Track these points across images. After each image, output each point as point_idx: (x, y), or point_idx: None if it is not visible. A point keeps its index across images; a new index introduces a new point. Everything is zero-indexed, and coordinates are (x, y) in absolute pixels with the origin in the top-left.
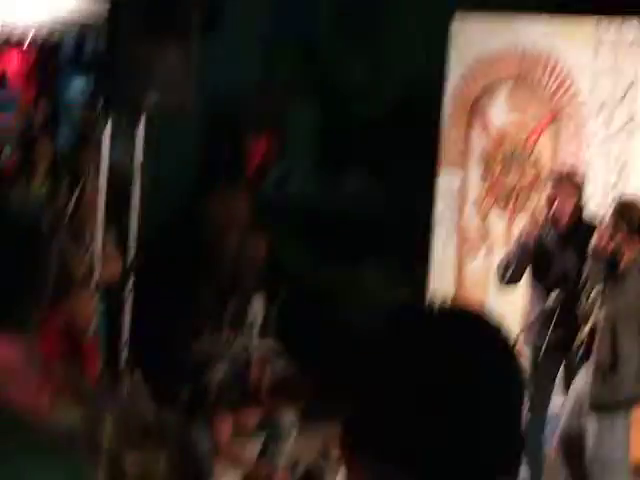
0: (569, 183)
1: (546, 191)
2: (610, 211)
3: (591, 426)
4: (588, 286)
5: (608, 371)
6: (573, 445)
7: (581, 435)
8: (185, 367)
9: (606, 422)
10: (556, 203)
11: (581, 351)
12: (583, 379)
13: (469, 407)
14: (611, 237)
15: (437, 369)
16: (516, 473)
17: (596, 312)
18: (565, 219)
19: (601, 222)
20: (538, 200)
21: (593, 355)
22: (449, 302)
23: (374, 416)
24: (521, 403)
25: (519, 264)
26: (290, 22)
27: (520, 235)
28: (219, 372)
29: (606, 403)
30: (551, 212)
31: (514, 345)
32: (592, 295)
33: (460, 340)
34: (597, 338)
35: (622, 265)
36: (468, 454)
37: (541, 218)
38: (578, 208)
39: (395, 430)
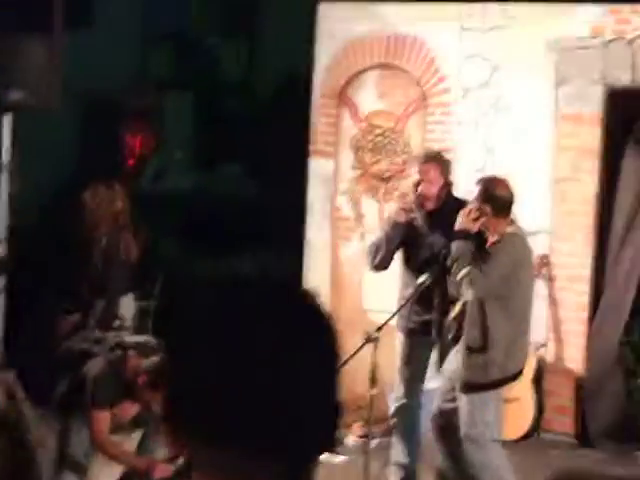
0: (433, 166)
1: (412, 175)
2: (475, 191)
3: (463, 406)
4: (456, 267)
5: (478, 352)
6: (447, 425)
7: (454, 415)
8: (60, 364)
9: (477, 402)
10: (421, 187)
11: (452, 333)
12: (454, 360)
13: (286, 381)
14: (477, 217)
15: (254, 344)
16: (333, 441)
17: (465, 293)
18: (431, 202)
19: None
20: (407, 185)
21: (463, 336)
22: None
23: (195, 394)
24: (336, 375)
25: (388, 248)
26: (162, 17)
27: (388, 219)
28: (94, 368)
29: (477, 383)
30: (417, 196)
31: (330, 323)
32: (460, 276)
33: (277, 316)
34: (466, 319)
35: (487, 245)
36: (288, 427)
37: (408, 202)
38: (445, 191)
39: (215, 408)
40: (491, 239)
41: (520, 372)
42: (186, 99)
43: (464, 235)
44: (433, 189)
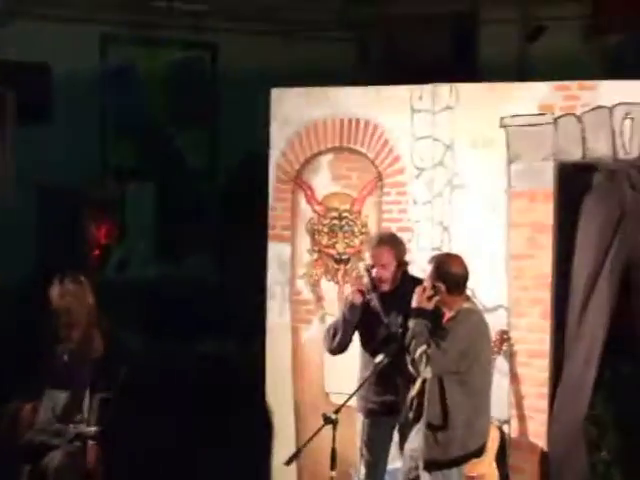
0: (386, 250)
1: (366, 259)
2: (428, 269)
3: None
4: (413, 345)
5: (439, 429)
6: None
7: None
8: (20, 456)
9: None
10: (375, 271)
11: (412, 412)
12: (416, 439)
13: None
14: (431, 295)
15: None
16: None
17: (423, 371)
18: (386, 284)
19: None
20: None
21: (424, 414)
22: None
23: None
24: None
25: (345, 330)
26: (121, 108)
27: (345, 302)
28: (54, 460)
29: (438, 461)
30: (372, 279)
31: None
32: (418, 353)
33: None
34: (426, 397)
35: (444, 322)
36: None
37: (364, 284)
38: (400, 272)
39: None
40: (447, 316)
41: (482, 448)
42: (147, 189)
43: (420, 313)
44: (387, 272)
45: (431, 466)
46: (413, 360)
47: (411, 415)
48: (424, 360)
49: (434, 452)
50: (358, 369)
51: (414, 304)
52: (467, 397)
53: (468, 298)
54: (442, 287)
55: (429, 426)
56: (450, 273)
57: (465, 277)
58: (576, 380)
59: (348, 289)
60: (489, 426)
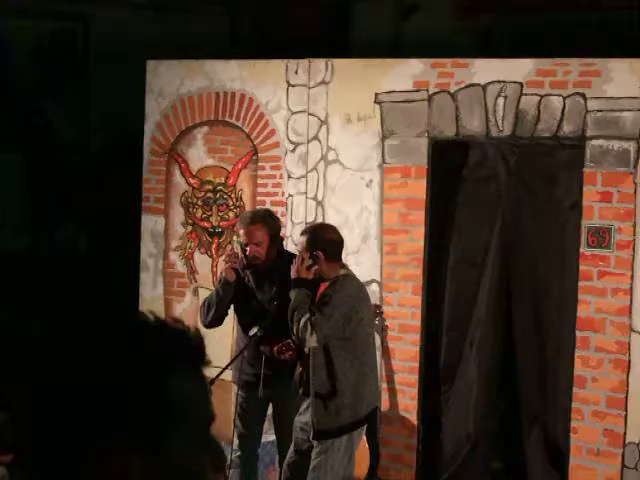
0: (258, 228)
1: (238, 236)
2: (304, 239)
3: (313, 455)
4: (297, 315)
5: (327, 398)
6: (297, 476)
7: (305, 465)
8: None
9: (329, 449)
10: (248, 249)
11: (301, 386)
12: (307, 413)
13: None
14: (311, 265)
15: None
16: None
17: (309, 340)
18: (260, 261)
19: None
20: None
21: (311, 385)
22: None
23: None
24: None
25: (219, 306)
26: None
27: (219, 279)
28: None
29: (330, 430)
30: (245, 255)
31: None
32: (302, 322)
33: None
34: (311, 367)
35: (323, 289)
36: None
37: (237, 261)
38: (274, 248)
39: None
40: (326, 284)
41: (373, 414)
42: (17, 161)
43: (300, 283)
44: (260, 249)
45: (322, 435)
46: (298, 330)
47: (301, 391)
48: (309, 328)
49: (324, 421)
50: (235, 341)
51: (293, 274)
52: (352, 362)
53: (344, 265)
54: (321, 255)
55: (317, 395)
56: (327, 240)
57: (341, 243)
58: None
59: (222, 263)
60: (377, 392)
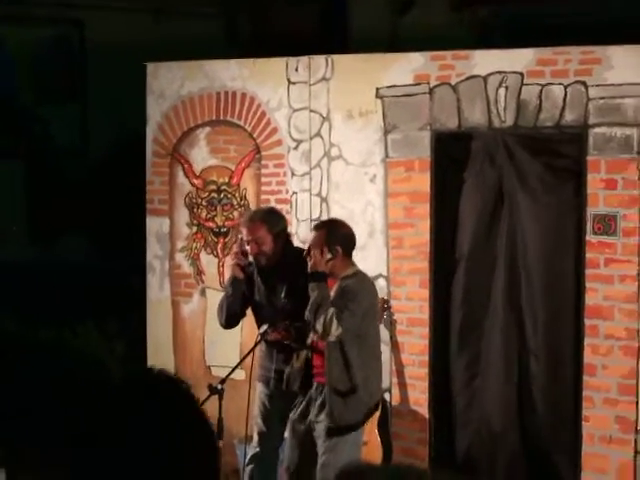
0: (258, 225)
1: (241, 235)
2: (318, 234)
3: (327, 450)
4: (322, 308)
5: (346, 394)
6: (304, 475)
7: (312, 463)
8: None
9: (338, 444)
10: (250, 247)
11: (297, 383)
12: (315, 408)
13: None
14: (329, 259)
15: None
16: None
17: (335, 332)
18: (265, 258)
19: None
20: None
21: (328, 381)
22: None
23: None
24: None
25: (230, 305)
26: None
27: (228, 277)
28: None
29: (347, 426)
30: (250, 253)
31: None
32: (329, 316)
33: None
34: (327, 364)
35: (339, 284)
36: None
37: (242, 258)
38: (279, 245)
39: None
40: (338, 280)
41: (376, 407)
42: (17, 168)
43: (318, 277)
44: (263, 247)
45: (340, 431)
46: (323, 324)
47: (297, 386)
48: (334, 323)
49: (345, 417)
50: (243, 341)
51: (311, 268)
52: (364, 357)
53: (353, 263)
54: (340, 249)
55: (335, 391)
56: (345, 235)
57: (355, 239)
58: None
59: (229, 262)
60: (381, 386)
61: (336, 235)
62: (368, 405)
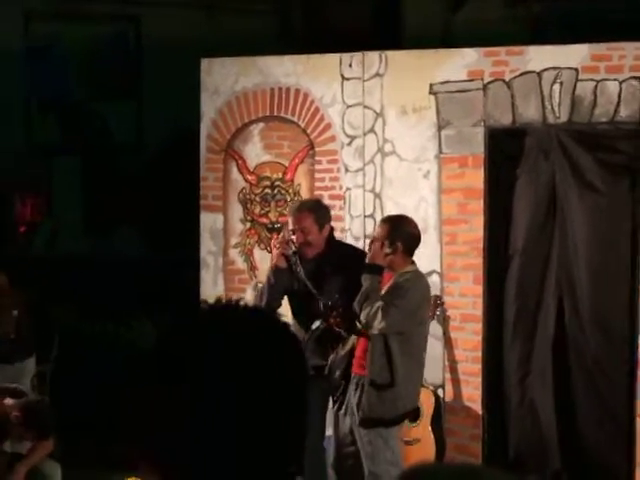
0: (305, 215)
1: (289, 225)
2: (383, 228)
3: (365, 446)
4: (370, 300)
5: (385, 388)
6: (349, 464)
7: (356, 454)
8: None
9: (379, 441)
10: (295, 236)
11: (340, 370)
12: (353, 399)
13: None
14: (388, 253)
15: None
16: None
17: (378, 325)
18: (310, 249)
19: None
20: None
21: (368, 372)
22: None
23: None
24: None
25: (270, 294)
26: (44, 84)
27: (271, 266)
28: None
29: (383, 419)
30: (296, 242)
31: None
32: (374, 309)
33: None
34: (369, 356)
35: (394, 281)
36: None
37: (287, 248)
38: (324, 237)
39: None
40: (395, 276)
41: (417, 410)
42: (75, 164)
43: (374, 269)
44: (309, 237)
45: (373, 424)
46: (367, 315)
47: (338, 373)
48: (379, 316)
49: (376, 409)
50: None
51: (369, 259)
52: (406, 356)
53: (413, 262)
54: (400, 246)
55: (372, 383)
56: (408, 233)
57: (419, 239)
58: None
59: (274, 251)
60: (419, 393)
61: (399, 231)
62: (403, 404)
